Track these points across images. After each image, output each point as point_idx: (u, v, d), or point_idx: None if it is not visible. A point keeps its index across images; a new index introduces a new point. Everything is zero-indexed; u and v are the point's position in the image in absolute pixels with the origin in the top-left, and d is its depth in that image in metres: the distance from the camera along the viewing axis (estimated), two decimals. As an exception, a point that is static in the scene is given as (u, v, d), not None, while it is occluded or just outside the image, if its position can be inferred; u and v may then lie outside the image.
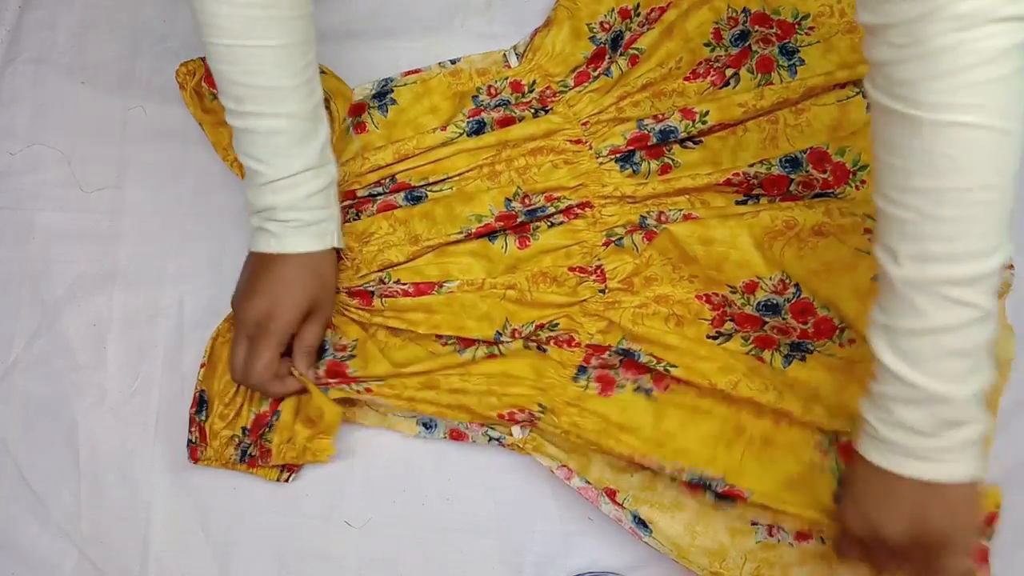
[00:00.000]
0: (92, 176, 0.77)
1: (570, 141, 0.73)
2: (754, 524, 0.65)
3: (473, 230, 0.71)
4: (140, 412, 0.73)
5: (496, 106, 0.74)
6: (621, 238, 0.71)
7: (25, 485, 0.72)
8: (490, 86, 0.75)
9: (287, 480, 0.70)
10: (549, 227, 0.71)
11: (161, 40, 0.80)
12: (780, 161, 0.70)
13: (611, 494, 0.67)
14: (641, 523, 0.66)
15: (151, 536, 0.71)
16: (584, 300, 0.70)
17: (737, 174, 0.70)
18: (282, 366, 0.67)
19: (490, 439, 0.69)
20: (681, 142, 0.73)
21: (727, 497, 0.64)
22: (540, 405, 0.67)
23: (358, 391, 0.68)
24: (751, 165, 0.70)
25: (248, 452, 0.69)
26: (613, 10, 0.76)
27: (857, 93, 0.72)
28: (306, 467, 0.71)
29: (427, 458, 0.71)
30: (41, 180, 0.77)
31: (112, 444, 0.72)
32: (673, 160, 0.72)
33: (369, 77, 0.77)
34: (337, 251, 0.69)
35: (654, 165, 0.72)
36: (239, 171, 0.74)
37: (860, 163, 0.70)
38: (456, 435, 0.70)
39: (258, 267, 0.66)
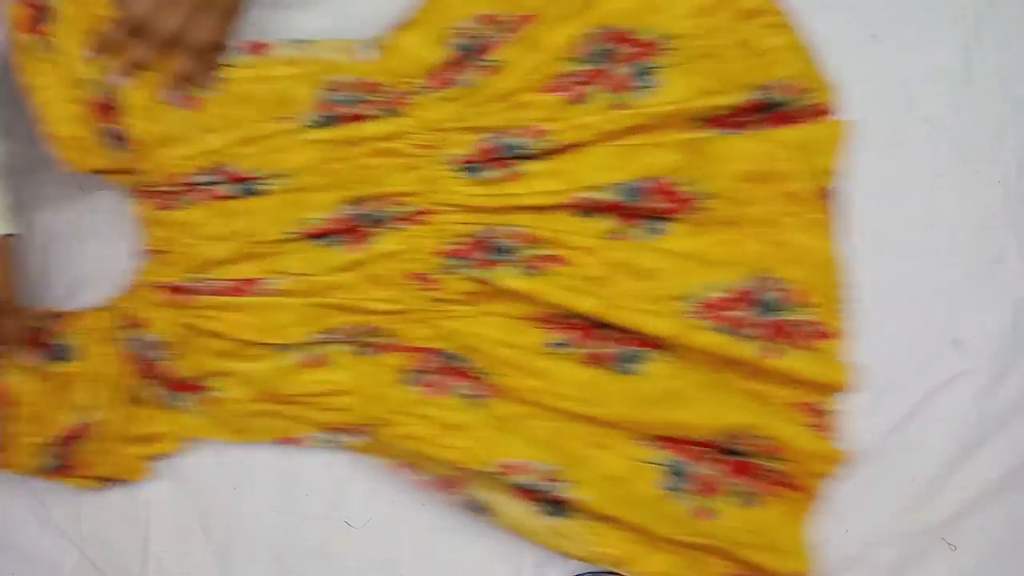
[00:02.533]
0: (92, 176, 0.77)
1: (416, 146, 0.70)
2: None
3: (304, 231, 0.68)
4: (140, 412, 0.73)
5: (344, 102, 0.70)
6: (462, 268, 0.69)
7: (25, 485, 0.72)
8: (341, 80, 0.71)
9: (99, 489, 0.71)
10: (387, 232, 0.69)
11: (161, 40, 0.80)
12: (621, 190, 0.69)
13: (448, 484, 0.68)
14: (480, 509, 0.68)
15: (151, 536, 0.71)
16: (411, 311, 0.69)
17: (577, 197, 0.69)
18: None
19: (324, 442, 0.70)
20: (530, 157, 0.70)
21: (560, 504, 0.66)
22: (374, 418, 0.68)
23: (203, 398, 0.69)
24: (592, 189, 0.69)
25: (57, 464, 0.68)
26: (473, 16, 0.72)
27: (716, 136, 0.70)
28: (306, 468, 0.71)
29: (427, 458, 0.71)
30: (41, 180, 0.77)
31: (112, 444, 0.72)
32: (521, 171, 0.70)
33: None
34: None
35: (499, 174, 0.70)
36: (238, 171, 0.74)
37: (707, 193, 0.68)
38: (287, 439, 0.70)
39: None
